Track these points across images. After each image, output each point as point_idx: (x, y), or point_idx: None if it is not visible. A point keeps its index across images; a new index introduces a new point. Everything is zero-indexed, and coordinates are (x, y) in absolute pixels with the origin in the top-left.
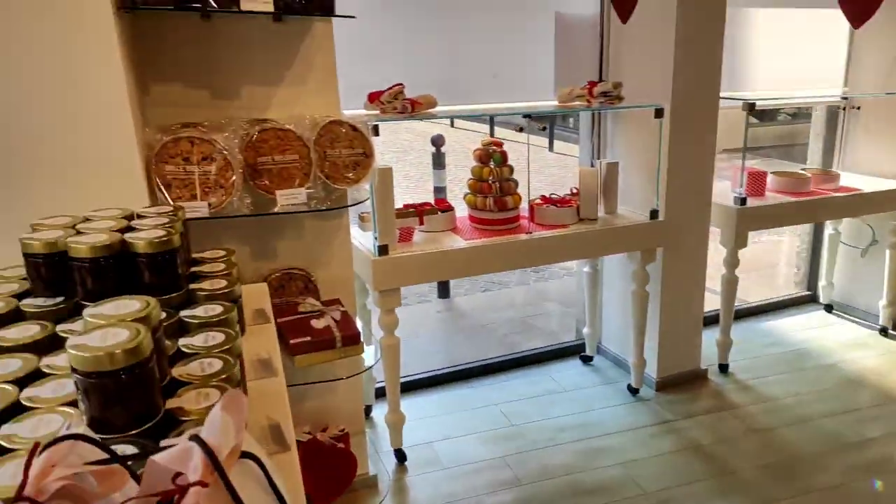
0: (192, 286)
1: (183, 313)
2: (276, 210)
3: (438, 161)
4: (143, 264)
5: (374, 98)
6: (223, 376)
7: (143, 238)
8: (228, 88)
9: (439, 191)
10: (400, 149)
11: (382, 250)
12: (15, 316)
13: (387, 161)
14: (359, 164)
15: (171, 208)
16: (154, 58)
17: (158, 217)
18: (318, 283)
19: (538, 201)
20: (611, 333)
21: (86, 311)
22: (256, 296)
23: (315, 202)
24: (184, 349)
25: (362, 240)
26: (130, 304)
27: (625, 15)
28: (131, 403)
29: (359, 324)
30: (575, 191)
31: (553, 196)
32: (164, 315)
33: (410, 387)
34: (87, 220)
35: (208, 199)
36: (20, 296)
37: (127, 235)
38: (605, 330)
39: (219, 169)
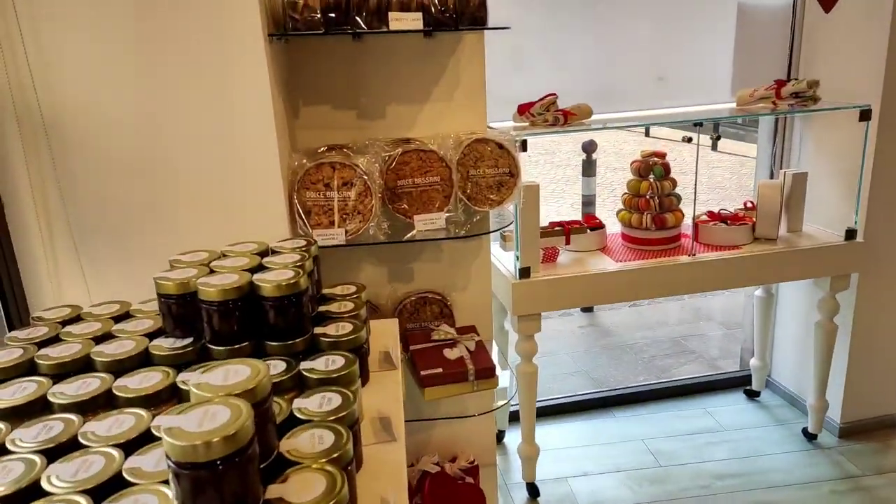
0: (318, 330)
1: (303, 366)
2: (411, 237)
3: (589, 168)
4: (269, 307)
5: (524, 110)
6: (334, 455)
7: (270, 281)
8: (374, 108)
9: (588, 200)
10: (546, 150)
11: (524, 273)
12: (142, 360)
13: (531, 165)
14: (503, 185)
15: (305, 242)
16: (305, 81)
17: (291, 253)
18: (453, 307)
19: (704, 218)
20: (784, 365)
21: (192, 380)
22: (385, 334)
23: (454, 227)
24: (297, 414)
25: (503, 259)
26: (240, 372)
27: (829, 4)
28: (227, 492)
29: (494, 349)
30: (750, 205)
31: (722, 212)
32: (282, 367)
33: (546, 412)
34: (223, 255)
35: (346, 226)
36: (153, 334)
37: (255, 277)
38: (776, 361)
39: (358, 194)
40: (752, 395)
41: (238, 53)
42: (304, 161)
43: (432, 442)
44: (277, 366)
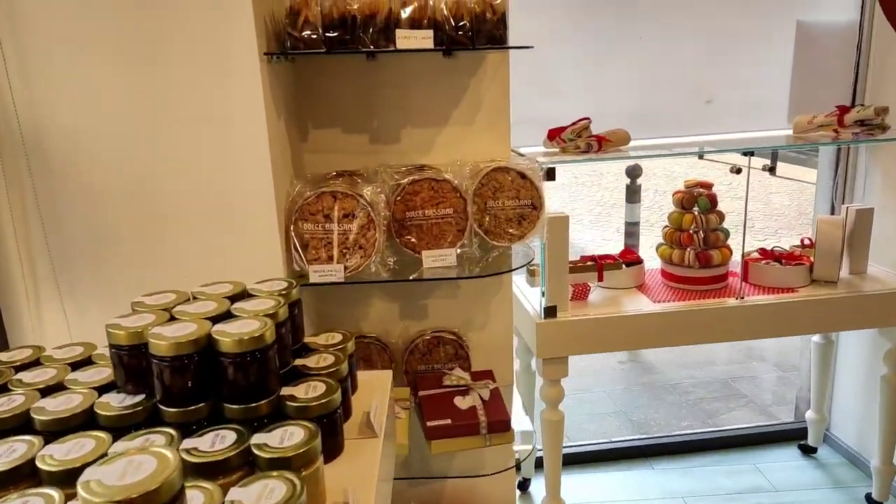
0: (286, 391)
1: (255, 440)
2: (418, 275)
3: (633, 194)
4: (228, 365)
5: (554, 135)
6: None
7: (230, 334)
8: (388, 132)
9: (631, 228)
10: (594, 171)
11: (549, 312)
12: (86, 419)
13: (577, 187)
14: (525, 218)
15: (285, 284)
16: (314, 102)
17: (265, 298)
18: (470, 348)
19: (755, 256)
20: (844, 420)
21: (82, 478)
22: (376, 388)
23: (468, 264)
24: None
25: (528, 294)
26: (143, 466)
27: None
28: None
29: (515, 395)
30: (807, 242)
31: (776, 250)
32: (231, 440)
33: (578, 459)
34: (193, 298)
35: (345, 262)
36: (107, 387)
37: (215, 329)
38: (836, 414)
39: (360, 227)
40: (808, 450)
41: (231, 74)
42: (304, 189)
43: (444, 499)
44: (226, 438)
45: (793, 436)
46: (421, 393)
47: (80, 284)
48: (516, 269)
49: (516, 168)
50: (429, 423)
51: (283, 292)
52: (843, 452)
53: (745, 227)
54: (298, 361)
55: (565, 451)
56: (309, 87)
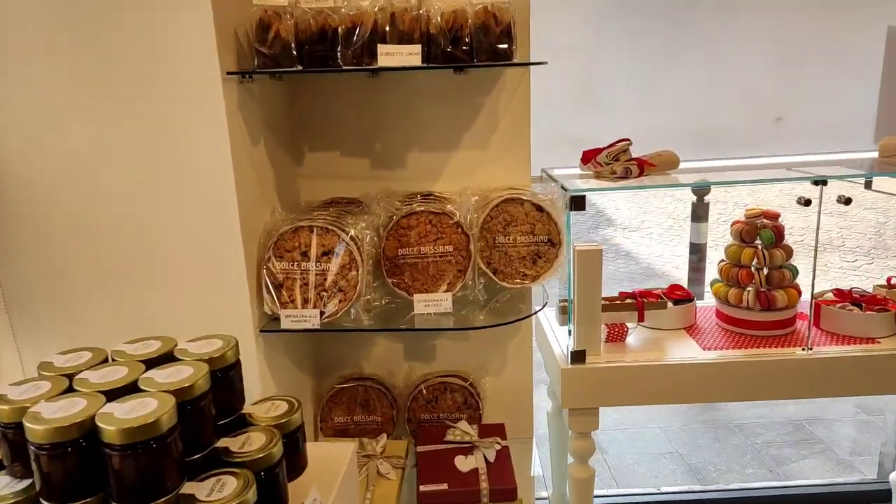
0: (188, 489)
1: None
2: (406, 325)
3: (700, 212)
4: (113, 456)
5: (589, 157)
6: None
7: (116, 421)
8: (392, 156)
9: (696, 248)
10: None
11: (577, 357)
12: None
13: (645, 199)
14: (541, 256)
15: (220, 344)
16: (310, 124)
17: (186, 365)
18: (482, 396)
19: (829, 297)
20: None
21: None
22: (327, 471)
23: (472, 308)
24: None
25: (558, 332)
26: None
27: None
28: None
29: (534, 454)
30: (894, 283)
31: (854, 291)
32: None
33: None
34: (111, 359)
35: (322, 306)
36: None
37: (100, 413)
38: None
39: (340, 267)
40: None
41: (191, 96)
42: (281, 222)
43: None
44: None
45: (875, 497)
46: (419, 448)
47: (37, 325)
48: (524, 317)
49: (531, 199)
50: (422, 488)
51: (215, 355)
52: None
53: (814, 264)
54: (222, 442)
55: (608, 500)
56: (303, 106)
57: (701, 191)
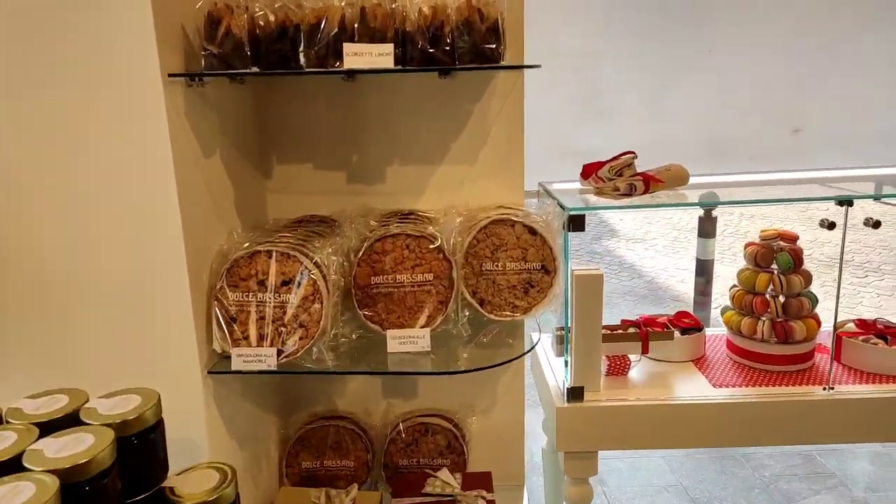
0: None
1: None
2: (375, 369)
3: (707, 227)
4: None
5: (590, 171)
6: None
7: None
8: (370, 169)
9: (703, 266)
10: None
11: (574, 394)
12: None
13: (640, 210)
14: (533, 285)
15: (137, 402)
16: (279, 132)
17: (89, 432)
18: (467, 439)
19: (851, 328)
20: None
21: None
22: None
23: (447, 349)
24: None
25: (553, 363)
26: None
27: None
28: None
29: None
30: None
31: (879, 322)
32: None
33: None
34: (3, 421)
35: (280, 343)
36: None
37: None
38: None
39: (302, 299)
40: None
41: (128, 103)
42: (235, 247)
43: None
44: None
45: None
46: (395, 501)
47: None
48: (515, 358)
49: (523, 221)
50: None
51: (129, 416)
52: None
53: (838, 293)
54: None
55: None
56: (270, 113)
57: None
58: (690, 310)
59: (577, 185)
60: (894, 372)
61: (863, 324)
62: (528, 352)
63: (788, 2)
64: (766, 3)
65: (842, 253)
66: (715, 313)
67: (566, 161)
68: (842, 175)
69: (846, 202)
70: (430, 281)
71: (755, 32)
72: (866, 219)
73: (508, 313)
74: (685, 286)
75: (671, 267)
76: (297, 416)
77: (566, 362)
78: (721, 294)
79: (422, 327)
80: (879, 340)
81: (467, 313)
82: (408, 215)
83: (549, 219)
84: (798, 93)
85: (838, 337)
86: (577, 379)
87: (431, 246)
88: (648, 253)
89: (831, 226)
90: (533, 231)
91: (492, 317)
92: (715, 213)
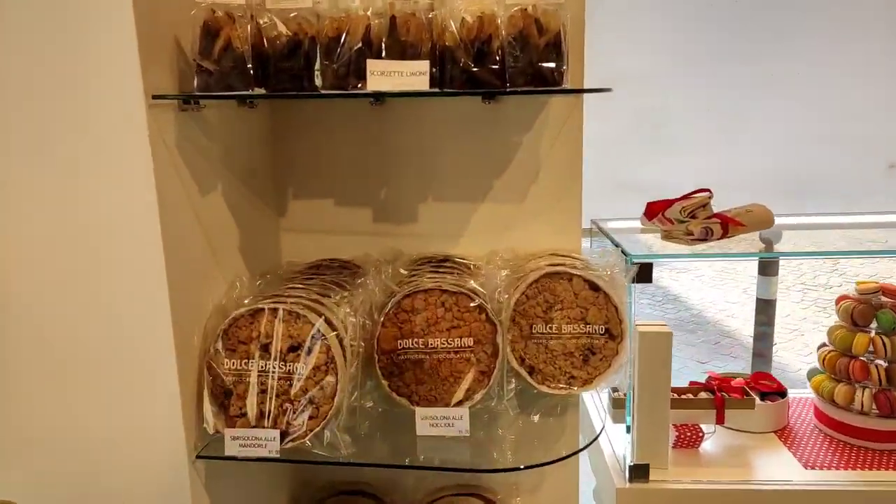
0: None
1: None
2: (405, 462)
3: (768, 265)
4: None
5: (655, 211)
6: None
7: None
8: (400, 207)
9: (764, 307)
10: None
11: (639, 473)
12: None
13: None
14: (594, 352)
15: None
16: (296, 164)
17: None
18: None
19: None
20: None
21: None
22: None
23: (487, 431)
24: None
25: (610, 431)
26: None
27: None
28: None
29: None
30: None
31: None
32: None
33: None
34: None
35: (284, 424)
36: None
37: None
38: None
39: (314, 369)
40: None
41: (106, 130)
42: (235, 303)
43: None
44: None
45: None
46: None
47: None
48: (575, 453)
49: (583, 274)
50: None
51: None
52: None
53: None
54: None
55: None
56: (287, 140)
57: (771, 237)
58: (749, 353)
59: (637, 224)
60: None
61: None
62: (591, 443)
63: (881, 18)
64: (857, 21)
65: None
66: (777, 358)
67: (622, 196)
68: None
69: None
70: (469, 346)
71: (844, 55)
72: None
73: (564, 386)
74: (736, 321)
75: (719, 300)
76: (312, 487)
77: (627, 428)
78: (783, 337)
79: (458, 403)
80: None
81: (514, 384)
82: (442, 262)
83: (614, 272)
84: (894, 123)
85: None
86: (641, 454)
87: (472, 304)
88: (694, 284)
89: None
90: (595, 287)
91: (544, 388)
92: (778, 245)
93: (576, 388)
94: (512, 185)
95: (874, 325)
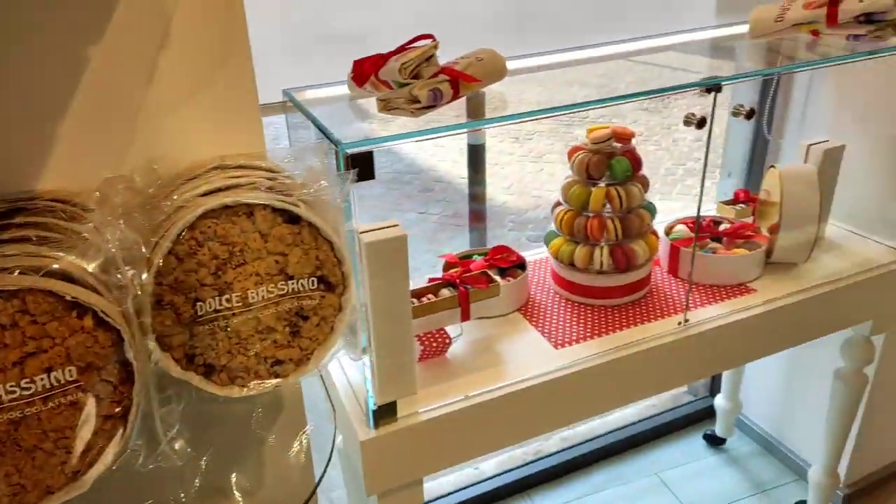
0: None
1: None
2: None
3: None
4: None
5: (364, 73)
6: None
7: None
8: None
9: (475, 156)
10: None
11: (384, 413)
12: None
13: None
14: (307, 315)
15: None
16: None
17: None
18: None
19: (681, 232)
20: (759, 401)
21: None
22: None
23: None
24: None
25: (349, 373)
26: None
27: None
28: None
29: None
30: (761, 198)
31: (718, 221)
32: None
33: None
34: None
35: None
36: None
37: None
38: (750, 396)
39: None
40: (716, 442)
41: None
42: None
43: None
44: None
45: (694, 421)
46: None
47: None
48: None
49: (272, 203)
50: None
51: None
52: (761, 441)
53: (698, 214)
54: None
55: None
56: None
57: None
58: (463, 198)
59: (345, 91)
60: (736, 280)
61: (692, 224)
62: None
63: None
64: None
65: (706, 158)
66: (491, 204)
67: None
68: (668, 43)
69: (712, 89)
70: (71, 381)
71: None
72: (687, 116)
73: (267, 377)
74: (445, 165)
75: (428, 146)
76: None
77: (366, 379)
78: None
79: (74, 477)
80: (715, 243)
81: (174, 403)
82: (11, 213)
83: (320, 185)
84: None
85: (673, 248)
86: (385, 391)
87: (63, 304)
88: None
89: (701, 123)
90: (294, 218)
91: (234, 392)
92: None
93: (288, 377)
94: (116, 56)
95: (606, 176)
